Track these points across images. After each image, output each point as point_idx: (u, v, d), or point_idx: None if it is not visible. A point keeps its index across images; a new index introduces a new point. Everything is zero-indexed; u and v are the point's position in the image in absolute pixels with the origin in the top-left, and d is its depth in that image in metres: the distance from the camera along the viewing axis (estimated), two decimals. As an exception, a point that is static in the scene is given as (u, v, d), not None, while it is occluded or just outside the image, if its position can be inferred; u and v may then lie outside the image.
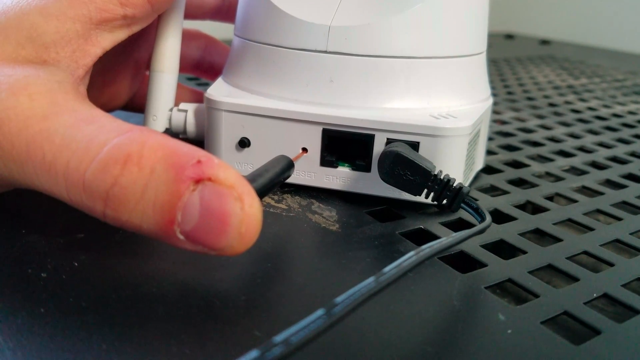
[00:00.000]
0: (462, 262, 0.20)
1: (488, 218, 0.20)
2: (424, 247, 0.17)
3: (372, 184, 0.24)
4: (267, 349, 0.12)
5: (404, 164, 0.22)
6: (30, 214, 0.21)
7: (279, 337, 0.12)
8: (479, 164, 0.28)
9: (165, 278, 0.18)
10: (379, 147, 0.23)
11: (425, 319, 0.17)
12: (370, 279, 0.14)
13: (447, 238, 0.18)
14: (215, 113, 0.25)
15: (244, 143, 0.25)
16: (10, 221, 0.21)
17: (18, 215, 0.21)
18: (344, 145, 0.24)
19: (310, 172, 0.24)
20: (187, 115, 0.27)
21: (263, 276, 0.18)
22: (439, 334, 0.16)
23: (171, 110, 0.27)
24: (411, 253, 0.16)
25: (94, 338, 0.15)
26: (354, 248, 0.21)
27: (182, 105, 0.27)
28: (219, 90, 0.25)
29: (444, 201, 0.22)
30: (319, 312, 0.13)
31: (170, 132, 0.27)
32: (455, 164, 0.23)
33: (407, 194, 0.23)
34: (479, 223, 0.20)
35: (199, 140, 0.26)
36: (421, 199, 0.23)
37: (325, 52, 0.23)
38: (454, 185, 0.22)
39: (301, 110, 0.24)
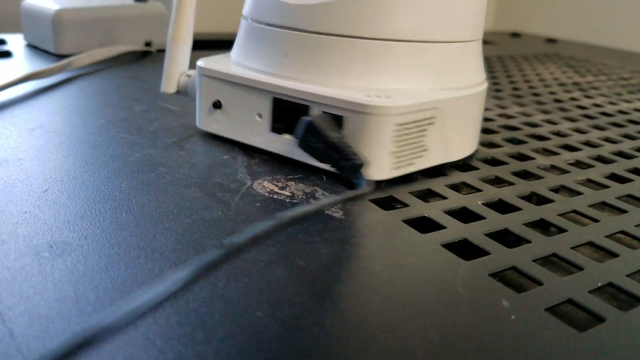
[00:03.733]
0: (466, 249, 0.20)
1: (367, 189, 0.21)
2: (285, 212, 0.17)
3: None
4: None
5: (312, 132, 0.23)
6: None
7: None
8: (452, 154, 0.27)
9: (172, 256, 0.18)
10: None
11: (427, 303, 0.17)
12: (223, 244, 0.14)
13: (310, 205, 0.18)
14: (198, 77, 0.29)
15: (216, 105, 0.28)
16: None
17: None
18: (288, 114, 0.25)
19: (262, 136, 0.27)
20: (189, 80, 0.30)
21: (266, 260, 0.18)
22: (441, 319, 0.16)
23: (181, 75, 0.31)
24: (271, 220, 0.16)
25: (95, 315, 0.15)
26: (358, 235, 0.20)
27: (190, 72, 0.31)
28: (209, 59, 0.29)
29: (342, 171, 0.23)
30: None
31: (179, 93, 0.31)
32: (379, 142, 0.24)
33: (318, 162, 0.24)
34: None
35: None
36: (328, 167, 0.24)
37: (286, 27, 0.26)
38: (351, 156, 0.22)
39: (256, 79, 0.26)
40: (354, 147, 0.23)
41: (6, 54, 0.47)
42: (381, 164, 0.24)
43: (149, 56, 0.51)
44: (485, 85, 0.29)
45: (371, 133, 0.24)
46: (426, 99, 0.24)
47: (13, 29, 0.61)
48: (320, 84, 0.25)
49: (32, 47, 0.51)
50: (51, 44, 0.48)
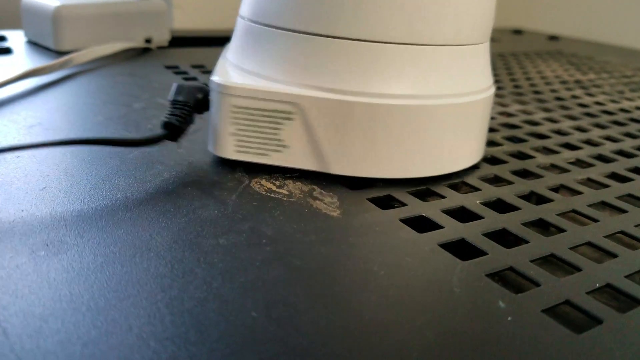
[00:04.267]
0: (463, 249, 0.20)
1: (159, 135, 0.24)
2: None
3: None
4: None
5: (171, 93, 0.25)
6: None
7: None
8: (344, 167, 0.24)
9: (168, 256, 0.18)
10: None
11: (424, 303, 0.17)
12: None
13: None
14: None
15: None
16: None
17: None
18: None
19: None
20: None
21: (262, 259, 0.18)
22: (438, 319, 0.16)
23: None
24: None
25: (90, 315, 0.15)
26: (355, 234, 0.20)
27: None
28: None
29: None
30: None
31: None
32: (218, 119, 0.25)
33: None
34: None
35: None
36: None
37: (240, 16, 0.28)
38: (170, 116, 0.24)
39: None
40: (190, 113, 0.25)
41: (6, 51, 0.47)
42: (221, 142, 0.25)
43: (149, 53, 0.51)
44: (432, 102, 0.24)
45: (213, 109, 0.25)
46: (272, 89, 0.24)
47: (13, 25, 0.61)
48: (231, 65, 0.27)
49: (33, 44, 0.51)
50: (51, 41, 0.48)
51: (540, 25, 0.91)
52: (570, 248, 0.21)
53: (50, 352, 0.13)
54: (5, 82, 0.35)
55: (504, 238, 0.21)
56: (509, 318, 0.16)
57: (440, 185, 0.25)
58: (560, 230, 0.22)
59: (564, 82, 0.50)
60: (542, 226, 0.23)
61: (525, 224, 0.22)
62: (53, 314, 0.15)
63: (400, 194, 0.24)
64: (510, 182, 0.27)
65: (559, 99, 0.44)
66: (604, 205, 0.25)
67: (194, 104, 0.25)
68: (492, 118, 0.37)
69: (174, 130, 0.24)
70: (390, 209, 0.23)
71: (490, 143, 0.32)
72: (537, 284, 0.18)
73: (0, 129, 0.28)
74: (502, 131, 0.34)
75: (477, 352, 0.15)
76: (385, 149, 0.24)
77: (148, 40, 0.52)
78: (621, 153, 0.32)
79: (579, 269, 0.19)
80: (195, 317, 0.15)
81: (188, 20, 0.77)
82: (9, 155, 0.25)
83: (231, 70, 0.26)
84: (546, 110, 0.41)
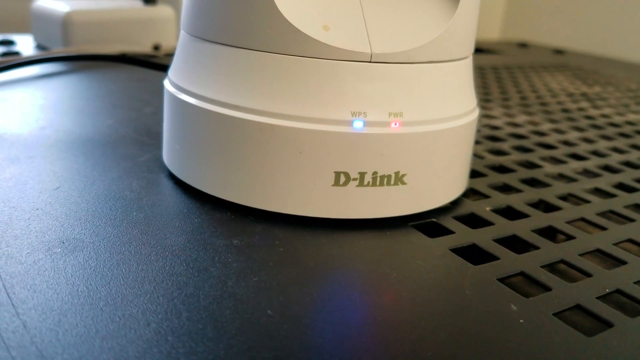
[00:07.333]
0: (474, 255, 0.20)
1: None
2: None
3: None
4: None
5: None
6: (45, 193, 0.21)
7: None
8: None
9: (182, 255, 0.18)
10: None
11: (437, 305, 0.17)
12: None
13: None
14: None
15: None
16: (26, 198, 0.21)
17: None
18: None
19: None
20: None
21: (276, 260, 0.18)
22: (450, 321, 0.16)
23: None
24: None
25: (107, 310, 0.15)
26: (366, 237, 0.21)
27: None
28: None
29: None
30: None
31: None
32: None
33: None
34: None
35: None
36: None
37: None
38: None
39: None
40: None
41: (15, 55, 0.47)
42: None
43: (157, 59, 0.51)
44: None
45: None
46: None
47: (22, 29, 0.62)
48: None
49: (42, 48, 0.51)
50: (61, 45, 0.49)
51: (545, 39, 0.92)
52: (580, 255, 0.21)
53: (69, 345, 0.13)
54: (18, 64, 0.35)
55: (514, 244, 0.22)
56: (521, 320, 0.16)
57: (450, 192, 0.25)
58: (570, 237, 0.22)
59: (570, 95, 0.51)
60: (551, 233, 0.23)
61: (535, 231, 0.22)
62: (71, 309, 0.15)
63: (410, 200, 0.24)
64: (519, 190, 0.27)
65: (565, 110, 0.45)
66: (611, 214, 0.25)
67: None
68: (500, 128, 0.37)
69: None
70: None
71: (499, 152, 0.32)
72: (548, 289, 0.18)
73: (13, 130, 0.29)
74: (510, 141, 0.35)
75: (490, 353, 0.15)
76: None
77: (156, 47, 0.53)
78: (627, 164, 0.33)
79: (589, 275, 0.19)
80: (212, 314, 0.15)
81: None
82: (22, 155, 0.25)
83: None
84: (553, 121, 0.41)
